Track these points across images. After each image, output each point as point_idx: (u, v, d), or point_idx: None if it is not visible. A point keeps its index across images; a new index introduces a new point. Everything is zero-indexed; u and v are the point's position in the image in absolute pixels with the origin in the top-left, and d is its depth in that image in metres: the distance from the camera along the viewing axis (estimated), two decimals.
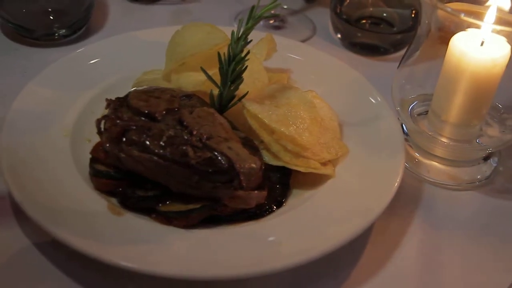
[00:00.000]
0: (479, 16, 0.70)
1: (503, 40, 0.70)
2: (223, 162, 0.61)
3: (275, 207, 0.68)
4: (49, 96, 0.77)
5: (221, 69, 0.70)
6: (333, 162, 0.72)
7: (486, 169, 0.80)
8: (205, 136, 0.63)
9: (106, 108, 0.68)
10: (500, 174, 0.81)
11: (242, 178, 0.62)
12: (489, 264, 0.69)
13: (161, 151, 0.61)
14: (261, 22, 1.01)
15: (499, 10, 0.71)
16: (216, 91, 0.72)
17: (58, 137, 0.72)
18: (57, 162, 0.69)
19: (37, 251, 0.64)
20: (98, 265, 0.57)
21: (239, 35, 0.69)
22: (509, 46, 0.70)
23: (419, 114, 0.82)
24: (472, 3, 0.77)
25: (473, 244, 0.71)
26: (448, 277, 0.67)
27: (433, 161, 0.80)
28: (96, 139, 0.68)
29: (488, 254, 0.70)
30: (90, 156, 0.68)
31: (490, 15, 0.71)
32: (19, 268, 0.62)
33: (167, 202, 0.63)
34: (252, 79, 0.74)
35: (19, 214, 0.65)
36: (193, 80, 0.76)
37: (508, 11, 0.72)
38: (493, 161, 0.81)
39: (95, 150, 0.67)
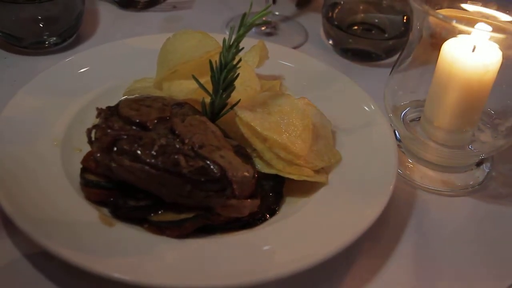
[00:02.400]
0: (470, 22, 0.70)
1: (494, 46, 0.70)
2: (216, 171, 0.61)
3: (268, 215, 0.67)
4: (39, 105, 0.77)
5: (212, 77, 0.70)
6: (326, 169, 0.72)
7: (479, 174, 0.80)
8: (197, 145, 0.62)
9: (96, 117, 0.67)
10: (493, 179, 0.81)
11: (235, 186, 0.62)
12: (484, 271, 0.68)
13: (153, 160, 0.61)
14: (253, 29, 1.01)
15: (491, 16, 0.72)
16: (208, 99, 0.71)
17: (48, 147, 0.71)
18: (47, 172, 0.68)
19: (28, 263, 0.63)
20: (90, 276, 0.56)
21: (231, 43, 0.69)
22: (500, 52, 0.70)
23: (411, 120, 0.82)
24: (462, 9, 0.77)
25: (467, 250, 0.71)
26: (442, 284, 0.66)
27: (426, 167, 0.80)
28: (87, 148, 0.67)
29: (482, 261, 0.69)
30: (80, 166, 0.67)
31: (481, 22, 0.71)
32: (10, 280, 0.62)
33: (159, 212, 0.63)
34: (244, 87, 0.74)
35: (9, 225, 0.64)
36: (185, 88, 0.76)
37: (499, 17, 0.72)
38: (485, 167, 0.81)
39: (85, 159, 0.67)
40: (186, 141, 0.63)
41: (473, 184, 0.79)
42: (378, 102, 0.81)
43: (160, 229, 0.62)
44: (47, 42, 0.96)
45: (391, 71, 0.81)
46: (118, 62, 0.86)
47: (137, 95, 0.73)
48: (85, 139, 0.66)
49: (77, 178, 0.67)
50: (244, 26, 0.69)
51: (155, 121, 0.65)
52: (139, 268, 0.57)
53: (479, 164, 0.81)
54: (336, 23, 1.03)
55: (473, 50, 0.71)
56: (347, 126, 0.79)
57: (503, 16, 0.74)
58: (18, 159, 0.68)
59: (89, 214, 0.63)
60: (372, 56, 1.03)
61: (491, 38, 0.69)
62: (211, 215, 0.63)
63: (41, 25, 0.94)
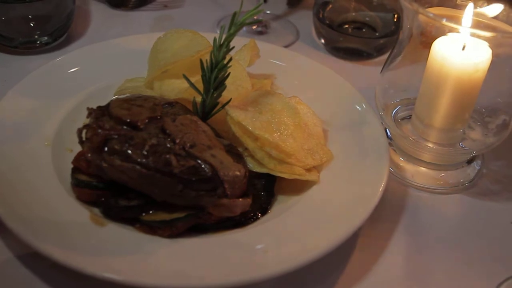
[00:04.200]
0: (460, 21, 0.71)
1: (484, 44, 0.71)
2: (207, 170, 0.61)
3: (260, 214, 0.67)
4: (29, 105, 0.76)
5: (203, 76, 0.70)
6: (317, 168, 0.72)
7: (470, 172, 0.81)
8: (188, 144, 0.62)
9: (87, 117, 0.67)
10: (484, 176, 0.81)
11: (226, 186, 0.62)
12: (475, 268, 0.69)
13: (144, 160, 0.61)
14: (244, 28, 1.01)
15: (480, 14, 0.72)
16: (199, 99, 0.71)
17: (39, 147, 0.71)
18: (38, 172, 0.68)
19: (19, 263, 0.63)
20: (82, 276, 0.56)
21: (222, 42, 0.69)
22: (490, 51, 0.71)
23: (402, 119, 0.82)
24: (452, 7, 0.77)
25: (458, 247, 0.71)
26: (433, 281, 0.67)
27: (417, 165, 0.80)
28: (78, 148, 0.67)
29: (474, 257, 0.70)
30: (71, 166, 0.67)
31: (471, 20, 0.71)
32: (1, 280, 0.61)
33: (151, 212, 0.63)
34: (235, 86, 0.74)
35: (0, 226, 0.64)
36: (176, 88, 0.76)
37: (488, 15, 0.72)
38: (476, 164, 0.82)
39: (76, 159, 0.66)
40: (177, 140, 0.63)
41: (464, 181, 0.79)
42: (369, 100, 0.81)
43: (151, 228, 0.62)
44: (38, 42, 0.96)
45: (382, 69, 0.82)
46: (109, 61, 0.86)
47: (128, 95, 0.73)
48: (76, 139, 0.66)
49: (68, 178, 0.67)
50: (234, 25, 0.69)
51: (146, 120, 0.65)
52: (130, 268, 0.57)
53: (470, 161, 0.81)
54: (327, 21, 1.03)
55: (463, 49, 0.71)
56: (339, 124, 0.79)
57: (492, 14, 0.74)
58: (9, 160, 0.68)
59: (80, 214, 0.63)
60: (363, 54, 1.03)
61: (480, 37, 0.69)
62: (202, 215, 0.63)
63: (31, 25, 0.94)
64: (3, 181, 0.65)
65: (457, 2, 0.77)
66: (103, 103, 0.69)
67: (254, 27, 1.08)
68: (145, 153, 0.61)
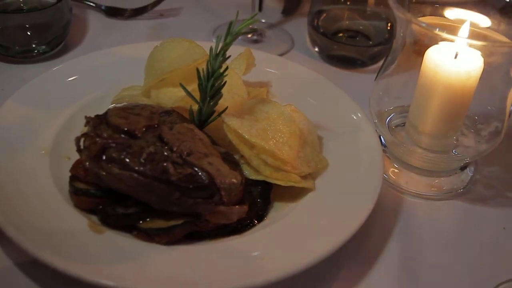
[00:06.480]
0: (452, 29, 0.72)
1: (476, 52, 0.72)
2: (204, 178, 0.62)
3: (256, 221, 0.68)
4: (27, 113, 0.77)
5: (200, 85, 0.70)
6: (313, 175, 0.73)
7: (463, 178, 0.82)
8: (185, 152, 0.63)
9: (85, 126, 0.67)
10: (477, 182, 0.82)
11: (223, 193, 0.62)
12: (469, 273, 0.69)
13: (142, 168, 0.61)
14: (239, 36, 1.02)
15: (472, 24, 0.73)
16: (195, 107, 0.72)
17: (36, 155, 0.72)
18: (36, 180, 0.68)
19: (18, 271, 0.63)
20: (81, 283, 0.57)
21: (218, 51, 0.69)
22: (482, 59, 0.72)
23: (396, 126, 0.83)
24: (445, 16, 0.78)
25: (453, 253, 0.72)
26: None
27: (411, 172, 0.81)
28: (76, 156, 0.68)
29: (468, 263, 0.71)
30: (69, 174, 0.68)
31: (463, 29, 0.73)
32: None
33: (148, 219, 0.63)
34: (231, 94, 0.75)
35: None
36: (173, 96, 0.77)
37: (480, 24, 0.73)
38: (469, 171, 0.83)
39: (74, 168, 0.67)
40: (175, 148, 0.63)
41: (457, 187, 0.80)
42: (364, 108, 0.82)
43: (149, 236, 0.63)
44: (35, 51, 0.96)
45: (376, 77, 0.83)
46: (106, 70, 0.87)
47: (125, 103, 0.74)
48: (73, 147, 0.66)
49: (66, 186, 0.67)
50: (231, 34, 0.69)
51: (144, 129, 0.65)
52: (128, 275, 0.58)
53: (463, 168, 0.82)
54: (321, 30, 1.04)
55: (455, 57, 0.72)
56: (333, 132, 0.80)
57: (484, 23, 0.75)
58: (6, 168, 0.69)
59: (78, 222, 0.64)
60: (357, 62, 1.04)
61: (472, 45, 0.70)
62: (199, 222, 0.63)
63: (29, 34, 0.94)
64: (1, 189, 0.65)
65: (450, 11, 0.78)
66: (100, 111, 0.69)
67: (249, 35, 1.09)
68: (143, 161, 0.62)
